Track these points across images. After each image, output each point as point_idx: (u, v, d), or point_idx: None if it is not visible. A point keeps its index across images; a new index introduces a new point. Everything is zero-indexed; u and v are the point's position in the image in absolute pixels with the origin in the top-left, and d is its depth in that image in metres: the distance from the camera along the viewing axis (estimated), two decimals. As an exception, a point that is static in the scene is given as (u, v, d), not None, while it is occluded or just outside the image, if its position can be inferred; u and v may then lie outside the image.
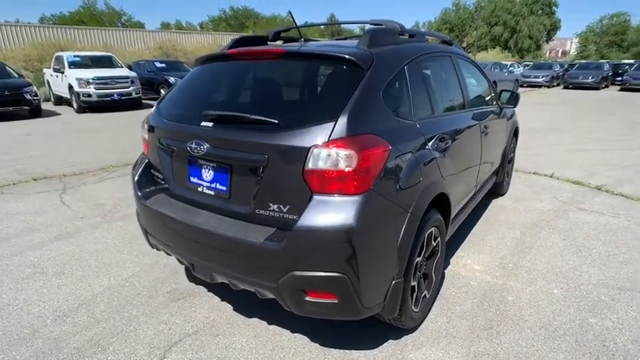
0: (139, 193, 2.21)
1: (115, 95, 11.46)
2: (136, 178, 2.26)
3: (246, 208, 1.78)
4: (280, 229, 1.70)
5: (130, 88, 11.83)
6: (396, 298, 1.86)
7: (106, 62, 12.57)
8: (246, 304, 2.38)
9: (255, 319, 2.28)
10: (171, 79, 13.34)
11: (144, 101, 12.71)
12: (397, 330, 2.14)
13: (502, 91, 3.65)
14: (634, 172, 5.27)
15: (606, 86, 21.33)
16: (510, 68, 22.62)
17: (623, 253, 3.04)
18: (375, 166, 1.63)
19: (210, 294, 2.54)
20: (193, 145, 1.84)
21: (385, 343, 2.08)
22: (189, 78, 2.36)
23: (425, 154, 2.02)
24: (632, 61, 28.87)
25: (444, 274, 2.70)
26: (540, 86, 21.50)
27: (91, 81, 10.98)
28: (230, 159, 1.79)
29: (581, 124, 9.49)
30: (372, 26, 2.29)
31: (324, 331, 2.16)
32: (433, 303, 2.39)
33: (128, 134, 8.03)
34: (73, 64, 11.77)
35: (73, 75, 11.12)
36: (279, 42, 2.64)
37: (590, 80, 20.06)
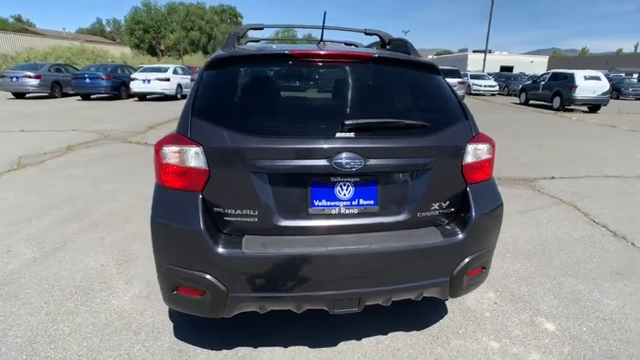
0: (220, 246, 1.57)
1: None
2: (202, 225, 1.56)
3: (403, 216, 1.73)
4: (443, 225, 1.79)
5: None
6: None
7: None
8: (310, 339, 2.06)
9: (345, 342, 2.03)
10: None
11: None
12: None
13: None
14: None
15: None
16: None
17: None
18: None
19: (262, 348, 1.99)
20: (344, 161, 1.58)
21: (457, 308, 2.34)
22: (239, 80, 1.83)
23: None
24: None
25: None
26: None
27: None
28: (383, 168, 1.66)
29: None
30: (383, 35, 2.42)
31: (409, 321, 2.19)
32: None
33: None
34: None
35: None
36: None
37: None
